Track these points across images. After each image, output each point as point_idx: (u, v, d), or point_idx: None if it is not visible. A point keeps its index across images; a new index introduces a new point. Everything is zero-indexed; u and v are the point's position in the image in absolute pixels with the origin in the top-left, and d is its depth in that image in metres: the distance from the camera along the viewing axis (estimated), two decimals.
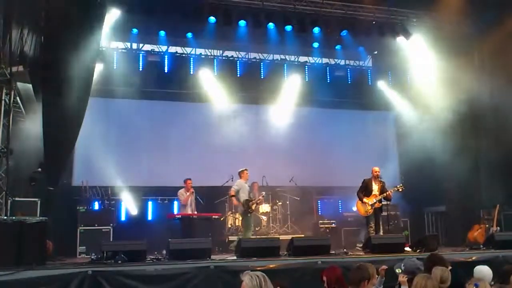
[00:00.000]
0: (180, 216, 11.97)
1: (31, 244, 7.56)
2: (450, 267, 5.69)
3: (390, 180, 12.87)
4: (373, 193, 11.21)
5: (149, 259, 8.74)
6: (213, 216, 12.64)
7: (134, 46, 15.00)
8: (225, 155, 14.37)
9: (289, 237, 10.77)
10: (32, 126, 10.18)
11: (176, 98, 15.14)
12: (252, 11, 13.24)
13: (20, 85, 9.29)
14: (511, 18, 12.81)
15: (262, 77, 16.33)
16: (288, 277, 7.04)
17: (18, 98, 9.33)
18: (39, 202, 9.35)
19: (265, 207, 13.61)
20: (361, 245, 10.96)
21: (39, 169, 10.01)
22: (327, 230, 13.81)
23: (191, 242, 9.37)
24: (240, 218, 12.48)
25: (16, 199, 9.24)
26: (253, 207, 11.43)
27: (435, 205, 14.18)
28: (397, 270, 5.88)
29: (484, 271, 6.09)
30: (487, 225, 12.12)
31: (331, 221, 14.08)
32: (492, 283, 5.63)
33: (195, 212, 12.37)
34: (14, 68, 8.73)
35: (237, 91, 15.53)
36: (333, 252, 9.65)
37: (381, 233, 11.08)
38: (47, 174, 10.19)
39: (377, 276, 6.31)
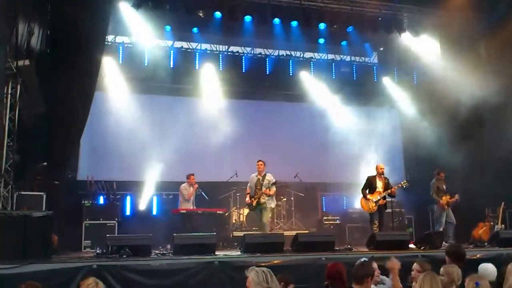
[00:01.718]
0: (184, 211, 11.98)
1: (36, 238, 7.57)
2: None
3: (395, 177, 12.84)
4: (377, 190, 11.18)
5: (153, 253, 8.76)
6: (218, 212, 12.68)
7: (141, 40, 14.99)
8: (230, 151, 14.40)
9: (293, 233, 10.74)
10: (38, 120, 10.22)
11: (181, 93, 15.16)
12: (258, 6, 13.21)
13: (26, 79, 9.29)
14: None
15: (267, 73, 16.34)
16: (292, 273, 7.02)
17: (24, 92, 9.33)
18: (44, 196, 9.35)
19: None
20: None
21: (45, 163, 10.04)
22: (332, 227, 13.82)
23: (196, 237, 9.36)
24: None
25: (22, 193, 9.26)
26: (254, 202, 11.31)
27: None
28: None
29: (488, 269, 6.09)
30: (492, 223, 12.10)
31: (336, 218, 14.09)
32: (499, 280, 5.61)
33: (194, 207, 12.40)
34: (20, 62, 8.73)
35: (242, 87, 15.55)
36: (338, 248, 9.66)
37: None
38: (53, 168, 10.24)
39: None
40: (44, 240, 7.75)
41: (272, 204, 11.34)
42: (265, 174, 11.34)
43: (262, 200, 11.10)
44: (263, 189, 11.14)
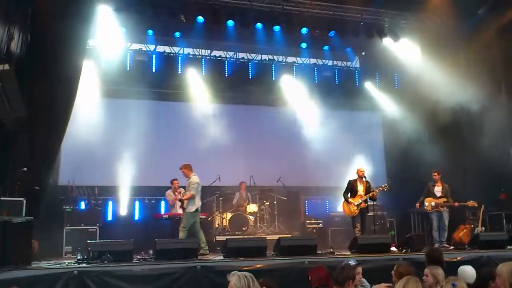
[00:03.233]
0: (167, 216, 11.94)
1: (17, 244, 7.50)
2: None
3: (377, 180, 12.93)
4: (359, 193, 11.27)
5: (135, 259, 8.74)
6: (200, 216, 12.64)
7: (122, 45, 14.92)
8: (213, 155, 14.38)
9: (276, 237, 10.78)
10: (18, 124, 10.10)
11: (164, 97, 15.12)
12: (240, 11, 13.25)
13: (6, 83, 9.19)
14: (495, 19, 13.02)
15: (250, 77, 16.35)
16: (274, 277, 7.02)
17: (4, 97, 9.22)
18: (24, 201, 9.23)
19: (252, 207, 13.63)
20: None
21: (25, 168, 9.92)
22: (314, 230, 13.86)
23: (178, 242, 9.38)
24: None
25: (1, 198, 9.14)
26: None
27: (421, 205, 14.25)
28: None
29: (467, 271, 6.18)
30: (472, 225, 12.21)
31: (318, 221, 14.13)
32: (478, 283, 5.69)
33: None
34: (0, 66, 8.63)
35: (224, 91, 15.57)
36: (320, 252, 9.71)
37: None
38: (33, 173, 10.12)
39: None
40: (24, 246, 7.69)
41: (189, 208, 10.59)
42: (189, 177, 10.91)
43: (185, 205, 10.79)
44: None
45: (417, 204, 11.78)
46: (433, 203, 11.46)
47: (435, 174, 11.68)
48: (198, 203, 10.71)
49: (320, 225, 14.02)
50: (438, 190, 11.56)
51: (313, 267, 6.24)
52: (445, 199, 11.43)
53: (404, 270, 5.68)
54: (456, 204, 11.41)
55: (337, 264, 5.95)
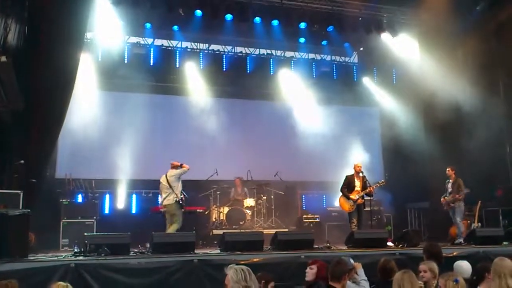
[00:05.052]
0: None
1: (13, 236, 7.48)
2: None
3: (374, 176, 12.93)
4: (356, 189, 11.26)
5: (132, 252, 8.73)
6: (198, 210, 12.66)
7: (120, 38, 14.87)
8: (210, 149, 14.38)
9: (273, 231, 10.80)
10: (15, 117, 10.09)
11: (161, 91, 15.07)
12: (239, 5, 13.22)
13: (3, 75, 9.16)
14: (494, 16, 13.03)
15: (248, 72, 16.34)
16: (271, 271, 7.05)
17: (1, 89, 9.20)
18: (21, 194, 9.22)
19: (249, 202, 13.63)
20: None
21: (22, 161, 9.91)
22: (311, 225, 13.87)
23: (175, 236, 9.41)
24: None
25: None
26: None
27: (418, 201, 14.30)
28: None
29: (463, 266, 6.21)
30: (468, 221, 12.25)
31: (315, 216, 14.12)
32: (474, 277, 5.71)
33: None
34: None
35: (222, 85, 15.54)
36: (317, 246, 9.73)
37: None
38: (30, 165, 10.11)
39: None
40: (21, 238, 7.67)
41: None
42: None
43: None
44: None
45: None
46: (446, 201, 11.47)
47: (448, 170, 11.63)
48: (160, 198, 11.02)
49: (317, 220, 14.01)
50: (449, 187, 11.51)
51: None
52: (453, 195, 11.36)
53: (386, 264, 5.76)
54: (451, 199, 11.34)
55: (333, 259, 5.96)
